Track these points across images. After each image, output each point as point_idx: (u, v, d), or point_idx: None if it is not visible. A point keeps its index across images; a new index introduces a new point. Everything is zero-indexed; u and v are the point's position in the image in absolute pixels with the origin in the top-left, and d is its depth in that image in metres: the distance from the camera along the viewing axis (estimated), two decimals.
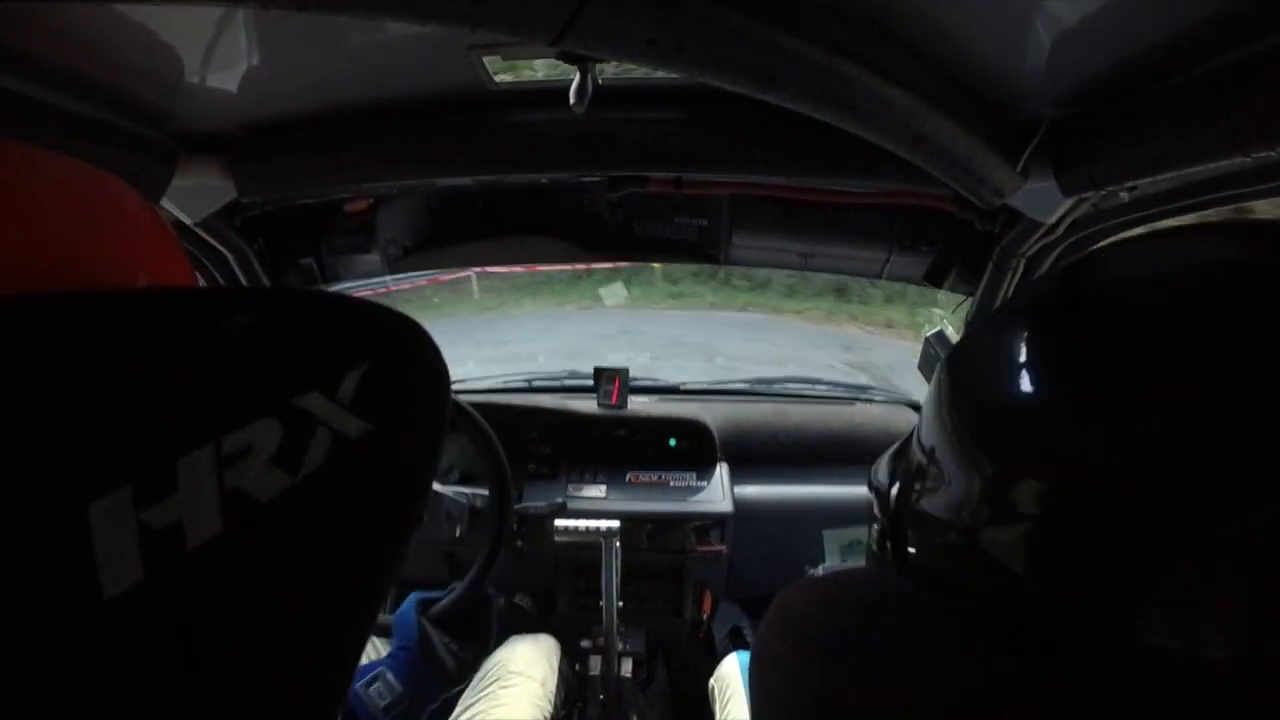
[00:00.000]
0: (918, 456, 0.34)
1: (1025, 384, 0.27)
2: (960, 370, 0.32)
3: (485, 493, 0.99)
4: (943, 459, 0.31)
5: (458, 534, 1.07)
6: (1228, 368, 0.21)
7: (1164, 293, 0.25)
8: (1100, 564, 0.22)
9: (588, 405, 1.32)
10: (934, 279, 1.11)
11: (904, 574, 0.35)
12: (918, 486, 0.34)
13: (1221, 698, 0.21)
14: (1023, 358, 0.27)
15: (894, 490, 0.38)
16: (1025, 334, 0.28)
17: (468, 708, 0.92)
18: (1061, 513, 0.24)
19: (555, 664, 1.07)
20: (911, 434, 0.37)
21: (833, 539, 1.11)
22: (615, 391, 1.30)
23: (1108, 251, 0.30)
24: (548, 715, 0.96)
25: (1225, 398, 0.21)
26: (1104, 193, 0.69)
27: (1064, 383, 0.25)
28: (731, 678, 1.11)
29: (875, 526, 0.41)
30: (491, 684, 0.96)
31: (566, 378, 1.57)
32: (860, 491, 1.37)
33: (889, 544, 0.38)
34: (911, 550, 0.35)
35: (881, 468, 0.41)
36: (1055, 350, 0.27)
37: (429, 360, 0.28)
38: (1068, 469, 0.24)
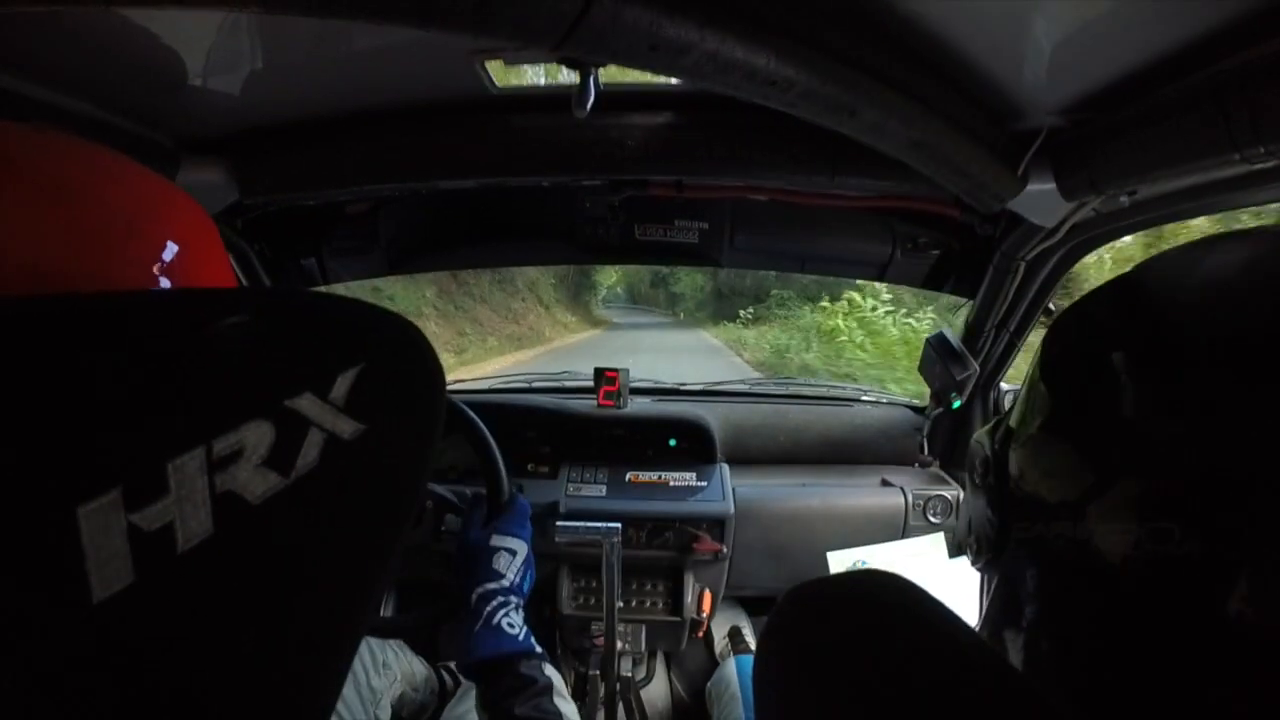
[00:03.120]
0: (1015, 454, 0.34)
1: (1121, 388, 0.27)
2: (1054, 374, 0.32)
3: (484, 493, 0.99)
4: (1039, 455, 0.31)
5: (456, 534, 1.07)
6: None
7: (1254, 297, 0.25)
8: (1195, 553, 0.23)
9: (587, 405, 1.32)
10: (934, 282, 1.11)
11: (1001, 550, 0.35)
12: (1016, 473, 0.34)
13: None
14: (1115, 363, 0.28)
15: (995, 466, 0.37)
16: (1109, 341, 0.29)
17: (455, 717, 0.92)
18: (1159, 512, 0.24)
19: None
20: (1004, 414, 0.37)
21: (836, 560, 1.11)
22: (615, 391, 1.30)
23: (1163, 257, 0.30)
24: None
25: None
26: (1104, 197, 0.69)
27: (1157, 385, 0.26)
28: (729, 682, 1.11)
29: (977, 500, 0.41)
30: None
31: (566, 378, 1.57)
32: (859, 492, 1.37)
33: (990, 521, 0.37)
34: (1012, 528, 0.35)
35: (983, 440, 0.41)
36: (1147, 354, 0.27)
37: (422, 360, 0.28)
38: (1163, 469, 0.24)
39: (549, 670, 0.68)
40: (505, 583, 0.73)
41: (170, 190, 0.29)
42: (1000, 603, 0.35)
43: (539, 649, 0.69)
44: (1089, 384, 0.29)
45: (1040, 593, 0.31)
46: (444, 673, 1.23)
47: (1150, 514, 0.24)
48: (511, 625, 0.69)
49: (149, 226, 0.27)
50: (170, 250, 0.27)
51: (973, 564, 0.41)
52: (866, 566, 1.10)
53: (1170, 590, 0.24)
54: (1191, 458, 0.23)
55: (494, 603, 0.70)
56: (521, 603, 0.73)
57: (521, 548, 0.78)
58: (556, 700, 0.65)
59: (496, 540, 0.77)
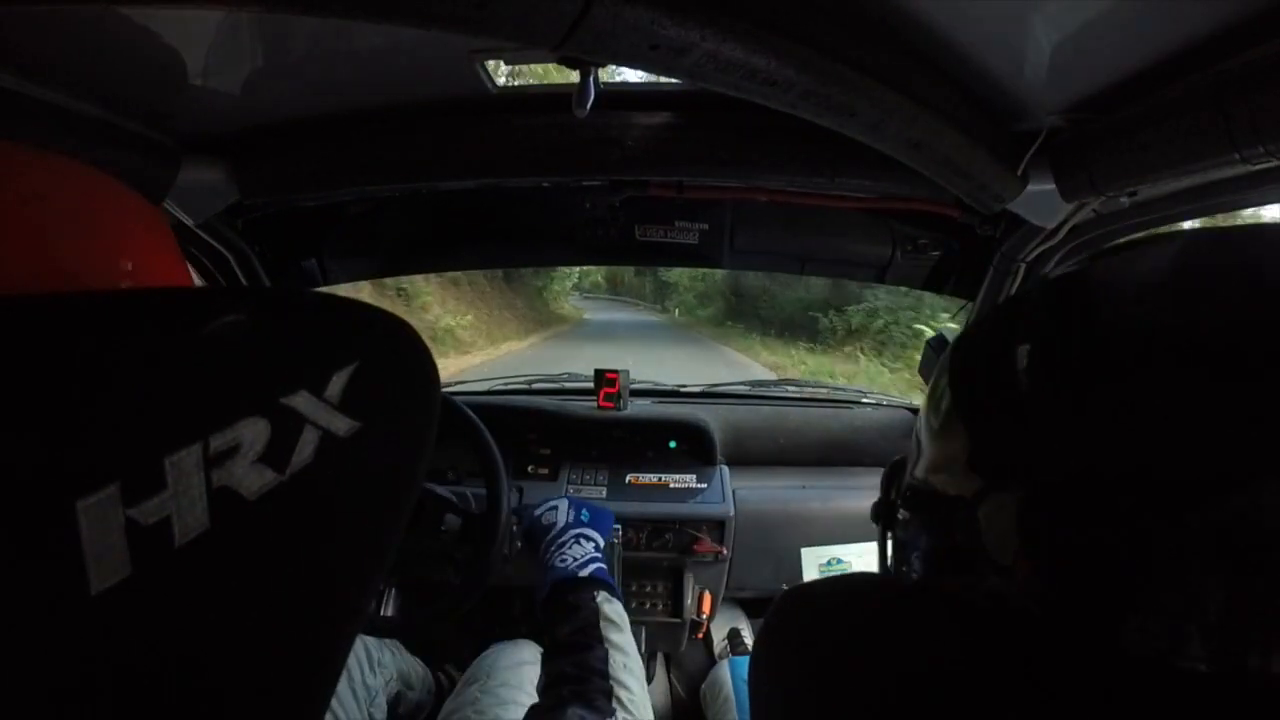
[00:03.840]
0: (919, 452, 0.34)
1: (1015, 386, 0.28)
2: (954, 372, 0.32)
3: (483, 492, 0.99)
4: (938, 453, 0.31)
5: (456, 534, 1.07)
6: (1199, 369, 0.22)
7: (1140, 299, 0.26)
8: (1083, 564, 0.23)
9: (587, 407, 1.32)
10: (934, 284, 1.11)
11: (903, 564, 0.36)
12: (918, 478, 0.34)
13: (1203, 699, 0.21)
14: (1014, 361, 0.28)
15: (900, 482, 0.38)
16: (1017, 337, 0.29)
17: (450, 715, 0.92)
18: (1045, 514, 0.24)
19: (537, 668, 1.07)
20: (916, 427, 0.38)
21: (810, 556, 1.11)
22: (615, 393, 1.30)
23: (1095, 259, 0.31)
24: None
25: (1201, 399, 0.22)
26: (1105, 198, 0.69)
27: (1049, 384, 0.26)
28: (722, 685, 1.11)
29: (884, 513, 0.42)
30: (475, 690, 0.95)
31: (566, 379, 1.57)
32: (859, 494, 1.38)
33: (891, 528, 0.38)
34: (911, 540, 0.35)
35: (890, 465, 0.41)
36: (1042, 354, 0.27)
37: (417, 359, 0.28)
38: (1053, 468, 0.24)
39: (602, 598, 0.69)
40: (559, 525, 0.79)
41: (120, 193, 0.29)
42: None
43: (588, 573, 0.72)
44: (990, 382, 0.29)
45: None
46: (442, 675, 1.22)
47: (1040, 514, 0.25)
48: (563, 560, 0.73)
49: (102, 231, 0.27)
50: (125, 266, 0.27)
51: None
52: (841, 565, 1.10)
53: (1061, 605, 0.24)
54: (1087, 458, 0.24)
55: (553, 547, 0.76)
56: (580, 533, 0.78)
57: (560, 500, 0.85)
58: (603, 626, 0.65)
59: (539, 510, 0.85)
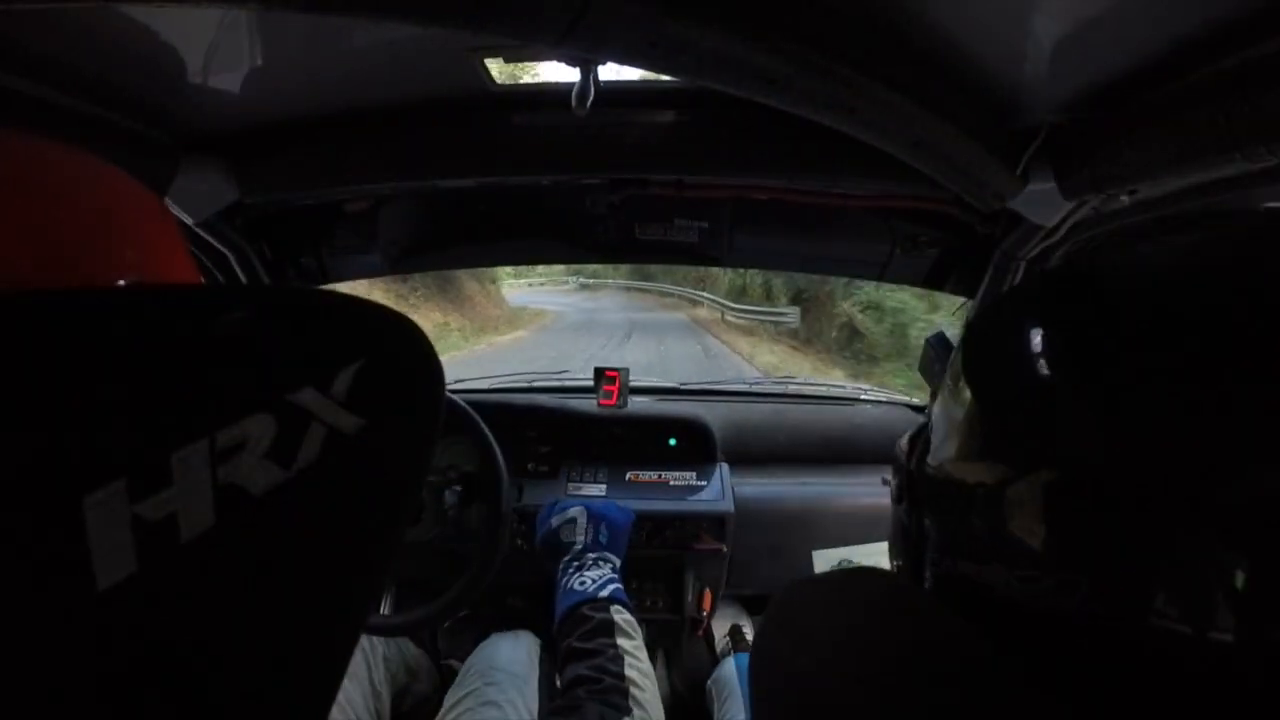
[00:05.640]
0: (934, 441, 0.34)
1: (1034, 376, 0.27)
2: (971, 361, 0.32)
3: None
4: (958, 441, 0.31)
5: (456, 532, 1.07)
6: (1219, 354, 0.22)
7: (1161, 284, 0.26)
8: (1109, 551, 0.23)
9: (587, 405, 1.32)
10: (934, 281, 1.11)
11: (921, 556, 0.35)
12: (932, 466, 0.34)
13: (1227, 684, 0.21)
14: (1030, 350, 0.28)
15: (911, 466, 0.38)
16: (1034, 326, 0.29)
17: (453, 706, 0.92)
18: (1070, 503, 0.24)
19: (537, 660, 1.07)
20: (928, 417, 0.37)
21: (822, 558, 1.11)
22: (615, 391, 1.30)
23: (1111, 245, 0.30)
24: (534, 712, 0.96)
25: (1217, 385, 0.22)
26: (1105, 196, 0.69)
27: (1069, 373, 0.26)
28: (729, 680, 1.11)
29: (899, 504, 0.42)
30: (477, 681, 0.96)
31: (566, 378, 1.57)
32: (859, 491, 1.38)
33: (908, 517, 0.38)
34: (930, 529, 0.35)
35: (902, 444, 0.41)
36: (1060, 343, 0.27)
37: (423, 356, 0.28)
38: (1075, 459, 0.24)
39: (615, 611, 0.72)
40: (577, 547, 0.81)
41: (135, 193, 0.29)
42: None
43: (606, 594, 0.74)
44: (1009, 370, 0.29)
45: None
46: (445, 669, 1.23)
47: (1064, 507, 0.24)
48: (582, 582, 0.76)
49: (112, 228, 0.27)
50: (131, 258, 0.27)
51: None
52: (852, 565, 1.10)
53: (1084, 615, 0.24)
54: (1107, 450, 0.23)
55: (570, 569, 0.78)
56: (601, 556, 0.80)
57: (579, 511, 0.86)
58: (615, 634, 0.69)
59: (555, 519, 0.85)
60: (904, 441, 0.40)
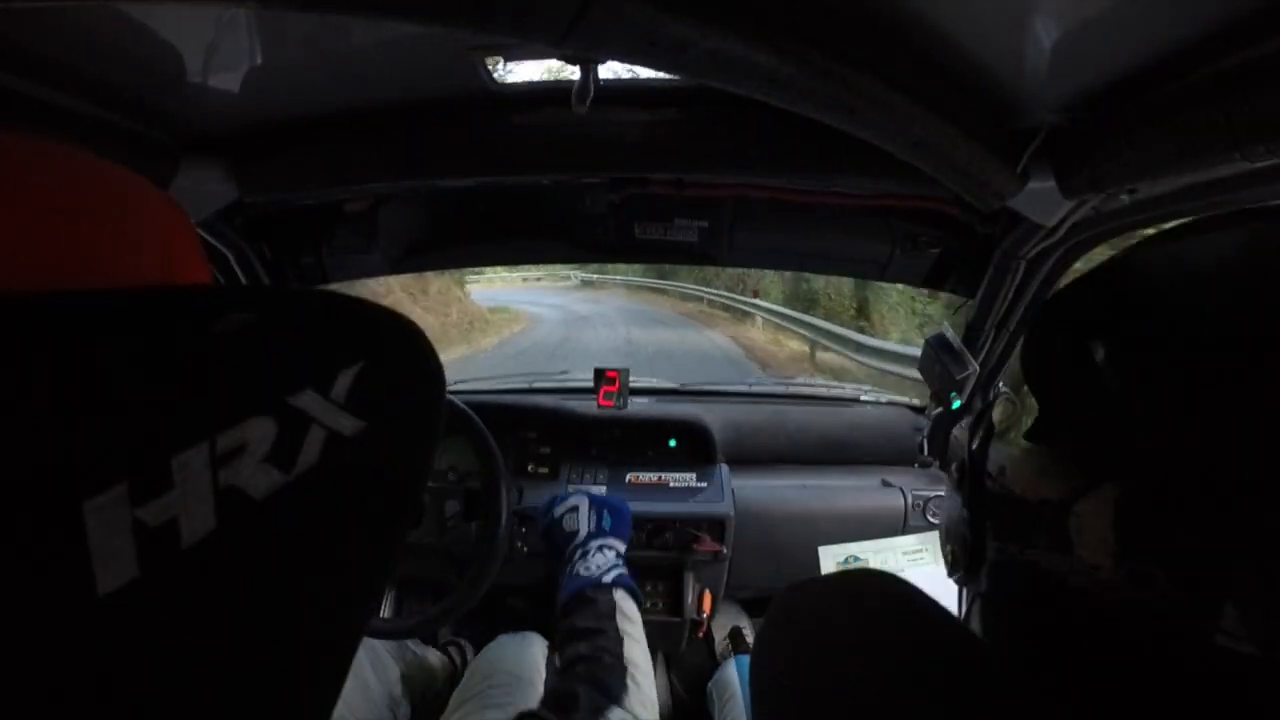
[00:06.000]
0: (993, 457, 0.34)
1: (1097, 377, 0.27)
2: (1033, 370, 0.31)
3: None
4: (1019, 457, 0.30)
5: (456, 534, 1.07)
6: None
7: (1218, 288, 0.25)
8: (1180, 561, 0.22)
9: (587, 406, 1.32)
10: (934, 281, 1.11)
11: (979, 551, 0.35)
12: (995, 483, 0.33)
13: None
14: (1091, 350, 0.27)
15: (972, 455, 0.37)
16: (1097, 329, 0.28)
17: (457, 708, 0.92)
18: (1139, 511, 0.24)
19: (543, 662, 1.07)
20: (985, 409, 0.36)
21: (828, 555, 1.11)
22: (615, 392, 1.30)
23: (1168, 241, 0.29)
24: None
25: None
26: (1105, 196, 0.69)
27: (1131, 372, 0.25)
28: (730, 683, 1.11)
29: (959, 491, 0.40)
30: (482, 683, 0.96)
31: (566, 379, 1.57)
32: (859, 492, 1.37)
33: (968, 506, 0.36)
34: (991, 519, 0.34)
35: (959, 433, 0.40)
36: (1119, 353, 0.26)
37: (423, 358, 0.28)
38: (1144, 468, 0.24)
39: (619, 595, 0.73)
40: (581, 535, 0.81)
41: (152, 195, 0.29)
42: (980, 625, 0.35)
43: (610, 579, 0.75)
44: (1072, 378, 0.28)
45: (1019, 619, 0.31)
46: (451, 651, 1.24)
47: (1135, 519, 0.24)
48: (587, 569, 0.76)
49: (135, 232, 0.27)
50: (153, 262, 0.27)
51: (950, 575, 0.41)
52: (859, 562, 1.10)
53: (1158, 609, 0.23)
54: (1177, 459, 0.23)
55: (575, 556, 0.78)
56: (603, 543, 0.80)
57: (580, 499, 0.86)
58: (617, 617, 0.69)
59: (558, 509, 0.85)
60: (961, 429, 0.39)
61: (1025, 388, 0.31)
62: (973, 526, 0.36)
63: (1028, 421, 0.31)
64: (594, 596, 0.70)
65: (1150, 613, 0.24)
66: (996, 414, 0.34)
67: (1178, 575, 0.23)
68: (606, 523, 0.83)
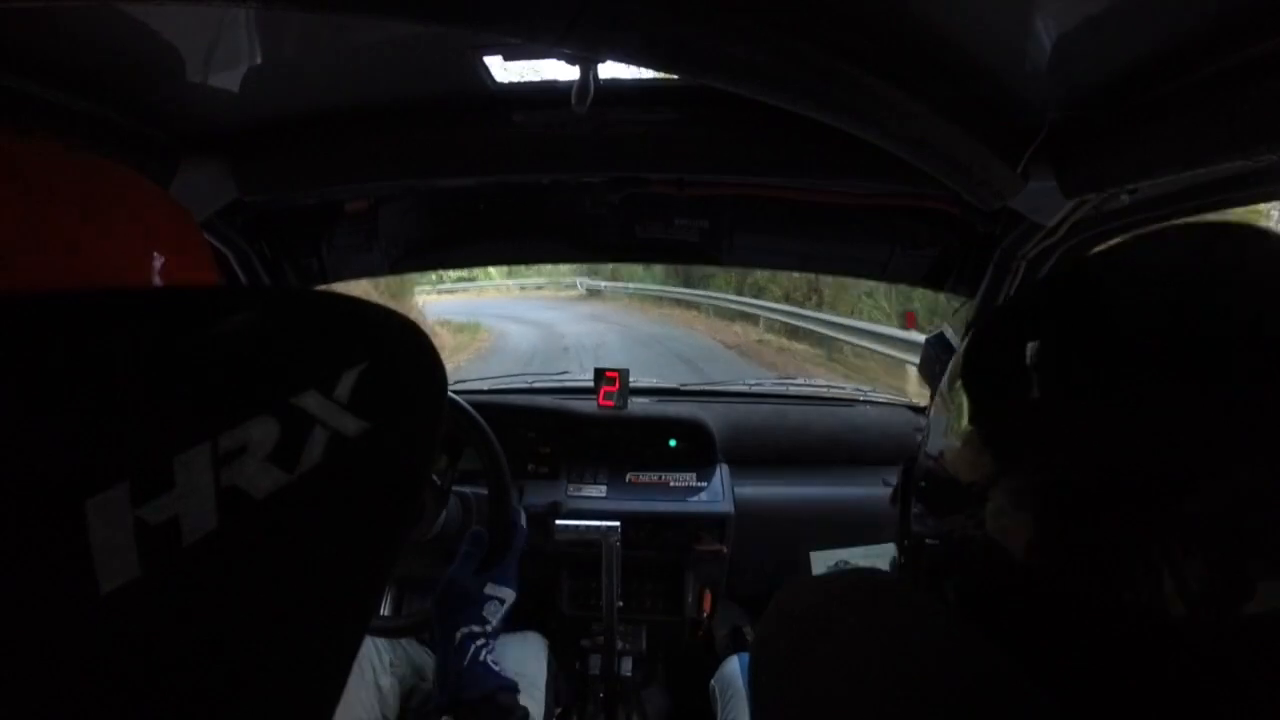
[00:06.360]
0: (934, 443, 0.35)
1: (1030, 380, 0.28)
2: (970, 366, 0.33)
3: (484, 491, 0.99)
4: (952, 444, 0.32)
5: (456, 533, 1.07)
6: (1201, 362, 0.23)
7: (1146, 292, 0.27)
8: (1101, 546, 0.24)
9: (587, 406, 1.32)
10: (934, 280, 1.11)
11: (917, 554, 0.36)
12: (930, 475, 0.35)
13: (1200, 657, 0.22)
14: (1029, 356, 0.29)
15: (912, 479, 0.39)
16: (1030, 332, 0.30)
17: None
18: (1062, 501, 0.25)
19: (544, 662, 1.07)
20: (927, 426, 0.38)
21: (819, 560, 1.11)
22: (615, 392, 1.30)
23: (1102, 253, 0.31)
24: (541, 714, 0.96)
25: (1201, 392, 0.23)
26: (1105, 195, 0.69)
27: (1063, 377, 0.27)
28: (733, 679, 1.11)
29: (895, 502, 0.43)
30: None
31: (566, 379, 1.57)
32: (859, 492, 1.37)
33: (906, 523, 0.39)
34: (927, 532, 0.36)
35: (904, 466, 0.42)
36: (1055, 348, 0.28)
37: (426, 358, 0.28)
38: (1069, 458, 0.25)
39: (525, 700, 0.74)
40: (489, 628, 0.77)
41: (157, 196, 0.29)
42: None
43: (513, 680, 0.75)
44: (1004, 371, 0.30)
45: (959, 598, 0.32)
46: None
47: (1053, 503, 0.25)
48: (495, 663, 0.75)
49: (134, 233, 0.27)
50: (157, 261, 0.27)
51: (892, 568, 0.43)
52: (849, 566, 1.11)
53: (1074, 582, 0.25)
54: (1096, 448, 0.24)
55: (479, 643, 0.75)
56: (494, 643, 0.78)
57: (510, 596, 0.81)
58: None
59: (490, 589, 0.80)
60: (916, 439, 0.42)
61: (958, 383, 0.33)
62: (909, 533, 0.38)
63: (962, 415, 0.32)
64: (508, 704, 0.72)
65: (1061, 610, 0.25)
66: (935, 407, 0.36)
67: (1085, 570, 0.24)
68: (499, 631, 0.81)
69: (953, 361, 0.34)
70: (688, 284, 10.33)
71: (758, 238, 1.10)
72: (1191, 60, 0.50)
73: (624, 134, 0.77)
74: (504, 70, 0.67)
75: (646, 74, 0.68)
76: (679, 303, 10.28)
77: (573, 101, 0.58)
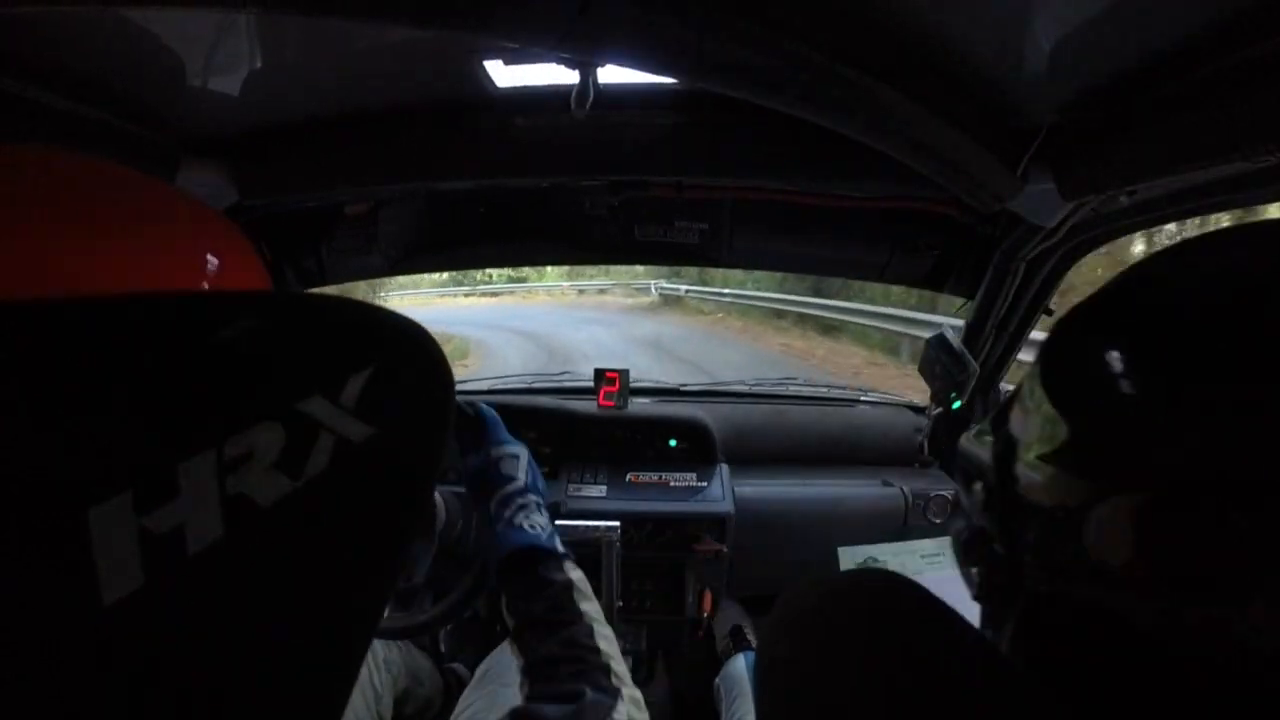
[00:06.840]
0: (1006, 461, 0.33)
1: (1121, 389, 0.26)
2: (1052, 374, 0.30)
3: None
4: (1035, 462, 0.29)
5: (457, 534, 1.07)
6: None
7: (1246, 293, 0.25)
8: (1205, 565, 0.22)
9: (588, 406, 1.32)
10: (934, 282, 1.11)
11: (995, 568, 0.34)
12: (1008, 488, 0.32)
13: None
14: (1115, 367, 0.27)
15: (989, 477, 0.36)
16: (1121, 334, 0.28)
17: (466, 707, 0.93)
18: (1162, 517, 0.23)
19: None
20: (1002, 414, 0.35)
21: (847, 555, 1.10)
22: (615, 392, 1.30)
23: (1184, 252, 0.29)
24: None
25: None
26: (1104, 197, 0.69)
27: (1156, 388, 0.25)
28: (738, 678, 1.11)
29: (966, 521, 0.39)
30: (493, 685, 0.96)
31: (566, 378, 1.57)
32: (860, 492, 1.36)
33: (997, 528, 0.35)
34: (1020, 542, 0.33)
35: (972, 447, 0.38)
36: (1146, 357, 0.26)
37: (432, 363, 0.28)
38: (1167, 475, 0.23)
39: (570, 568, 0.66)
40: (520, 484, 0.71)
41: (202, 208, 0.29)
42: (1011, 648, 0.34)
43: (561, 549, 0.67)
44: (1095, 390, 0.27)
45: (1065, 654, 0.29)
46: (449, 672, 1.23)
47: (1161, 517, 0.23)
48: (533, 526, 0.67)
49: (188, 246, 0.27)
50: (211, 264, 0.27)
51: (976, 598, 0.39)
52: (878, 564, 1.10)
53: (1186, 618, 0.23)
54: (1200, 466, 0.22)
55: (514, 505, 0.69)
56: (541, 502, 0.72)
57: (520, 450, 0.76)
58: (576, 598, 0.63)
59: (495, 450, 0.75)
60: (971, 440, 0.38)
61: (1046, 405, 0.30)
62: (1009, 552, 0.34)
63: (1054, 439, 0.29)
64: (548, 576, 0.64)
65: (1165, 632, 0.23)
66: (1016, 429, 0.33)
67: (1195, 590, 0.22)
68: (541, 482, 0.74)
69: (1028, 372, 0.31)
70: (818, 293, 6.70)
71: (757, 240, 1.10)
72: (1190, 62, 0.50)
73: (623, 137, 0.77)
74: (504, 75, 0.67)
75: (646, 78, 0.68)
76: (802, 318, 6.62)
77: (572, 105, 0.58)
